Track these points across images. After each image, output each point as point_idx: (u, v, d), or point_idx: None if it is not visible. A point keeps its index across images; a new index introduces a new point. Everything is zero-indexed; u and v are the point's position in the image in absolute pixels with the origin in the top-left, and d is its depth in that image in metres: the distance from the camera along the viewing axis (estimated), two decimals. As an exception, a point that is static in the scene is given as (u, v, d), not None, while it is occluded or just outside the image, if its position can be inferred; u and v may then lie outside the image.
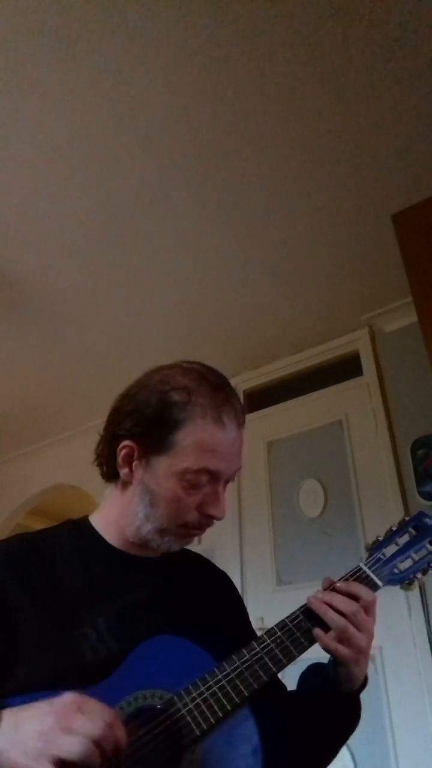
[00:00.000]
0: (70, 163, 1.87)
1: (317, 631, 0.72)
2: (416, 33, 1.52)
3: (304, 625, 0.73)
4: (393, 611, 2.12)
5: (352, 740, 2.01)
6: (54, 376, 3.10)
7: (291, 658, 0.71)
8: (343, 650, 0.72)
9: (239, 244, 2.22)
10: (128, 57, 1.56)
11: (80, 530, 0.84)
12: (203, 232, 2.16)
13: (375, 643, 2.26)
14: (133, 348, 2.83)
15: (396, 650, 2.11)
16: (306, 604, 0.75)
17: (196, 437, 0.76)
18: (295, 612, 0.75)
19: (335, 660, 0.74)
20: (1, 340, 2.75)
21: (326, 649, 0.72)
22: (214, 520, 0.80)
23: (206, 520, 0.80)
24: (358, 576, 0.77)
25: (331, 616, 0.72)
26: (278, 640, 0.71)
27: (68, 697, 0.56)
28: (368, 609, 0.74)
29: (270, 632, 0.72)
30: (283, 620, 0.74)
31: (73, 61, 1.56)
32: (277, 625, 0.73)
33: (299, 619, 0.74)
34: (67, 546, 0.81)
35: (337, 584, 0.75)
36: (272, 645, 0.71)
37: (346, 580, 0.77)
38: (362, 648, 0.73)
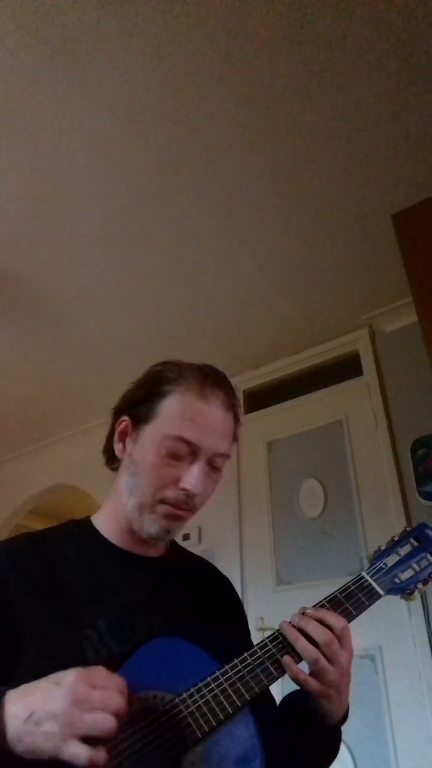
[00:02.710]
0: (69, 162, 1.87)
1: (286, 659, 0.69)
2: (416, 32, 1.52)
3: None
4: (393, 611, 2.12)
5: (352, 740, 2.02)
6: (54, 376, 3.11)
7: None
8: (312, 683, 0.69)
9: (239, 243, 2.22)
10: (129, 56, 1.56)
11: (82, 530, 0.84)
12: (203, 232, 2.16)
13: (375, 643, 2.25)
14: (132, 348, 2.83)
15: (396, 650, 2.11)
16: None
17: (178, 406, 0.79)
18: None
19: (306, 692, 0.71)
20: (0, 339, 2.75)
21: (293, 680, 0.70)
22: (194, 501, 0.78)
23: (183, 496, 0.77)
24: (360, 584, 0.77)
25: (302, 645, 0.69)
26: (280, 645, 0.71)
27: (75, 674, 0.57)
28: (342, 640, 0.71)
29: (272, 637, 0.72)
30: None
31: (73, 60, 1.56)
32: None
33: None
34: (69, 546, 0.81)
35: (307, 611, 0.73)
36: (274, 650, 0.71)
37: (348, 588, 0.76)
38: (332, 683, 0.69)
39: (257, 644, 0.72)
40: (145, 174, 1.92)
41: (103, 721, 0.54)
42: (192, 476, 0.77)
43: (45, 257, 2.26)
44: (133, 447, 0.81)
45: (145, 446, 0.79)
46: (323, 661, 0.69)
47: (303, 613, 0.73)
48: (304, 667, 0.71)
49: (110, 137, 1.79)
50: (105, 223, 2.11)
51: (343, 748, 1.99)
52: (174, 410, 0.78)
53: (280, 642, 0.71)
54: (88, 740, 0.54)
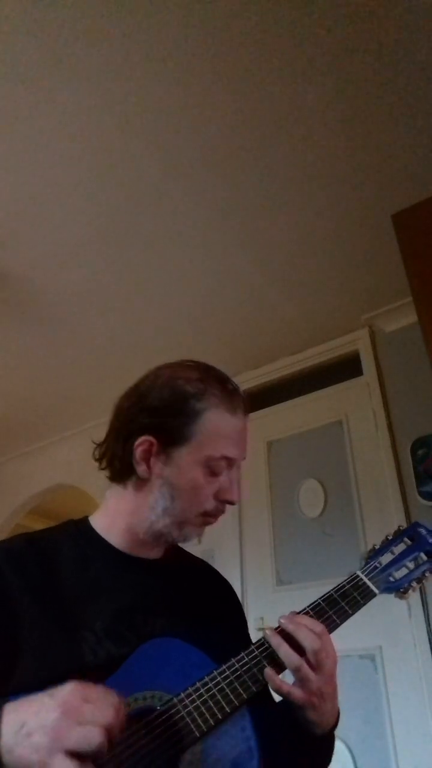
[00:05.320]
0: (70, 162, 1.86)
1: (268, 671, 0.68)
2: (416, 32, 1.52)
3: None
4: (393, 611, 2.12)
5: (352, 739, 2.02)
6: (54, 376, 3.10)
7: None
8: (297, 693, 0.68)
9: (239, 243, 2.22)
10: (129, 55, 1.56)
11: (81, 531, 0.84)
12: (204, 231, 2.16)
13: (375, 643, 2.25)
14: (133, 348, 2.83)
15: (396, 650, 2.11)
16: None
17: (216, 426, 0.79)
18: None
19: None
20: (1, 340, 2.75)
21: (276, 692, 0.68)
22: (228, 506, 0.82)
23: (223, 507, 0.82)
24: (355, 583, 0.77)
25: (284, 652, 0.69)
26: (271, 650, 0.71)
27: (70, 687, 0.56)
28: (324, 647, 0.70)
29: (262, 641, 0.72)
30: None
31: (74, 59, 1.56)
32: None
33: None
34: (68, 547, 0.80)
35: (281, 620, 0.72)
36: (270, 649, 0.71)
37: (343, 587, 0.77)
38: (314, 691, 0.68)
39: (254, 643, 0.72)
40: (145, 174, 1.91)
41: (92, 735, 0.53)
42: (236, 489, 0.80)
43: (45, 257, 2.26)
44: (165, 468, 0.79)
45: (186, 468, 0.78)
46: (306, 668, 0.68)
47: (283, 619, 0.72)
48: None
49: (111, 137, 1.78)
50: (104, 222, 2.11)
51: (343, 747, 2.00)
52: (213, 430, 0.79)
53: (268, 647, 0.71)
54: (77, 756, 0.52)
